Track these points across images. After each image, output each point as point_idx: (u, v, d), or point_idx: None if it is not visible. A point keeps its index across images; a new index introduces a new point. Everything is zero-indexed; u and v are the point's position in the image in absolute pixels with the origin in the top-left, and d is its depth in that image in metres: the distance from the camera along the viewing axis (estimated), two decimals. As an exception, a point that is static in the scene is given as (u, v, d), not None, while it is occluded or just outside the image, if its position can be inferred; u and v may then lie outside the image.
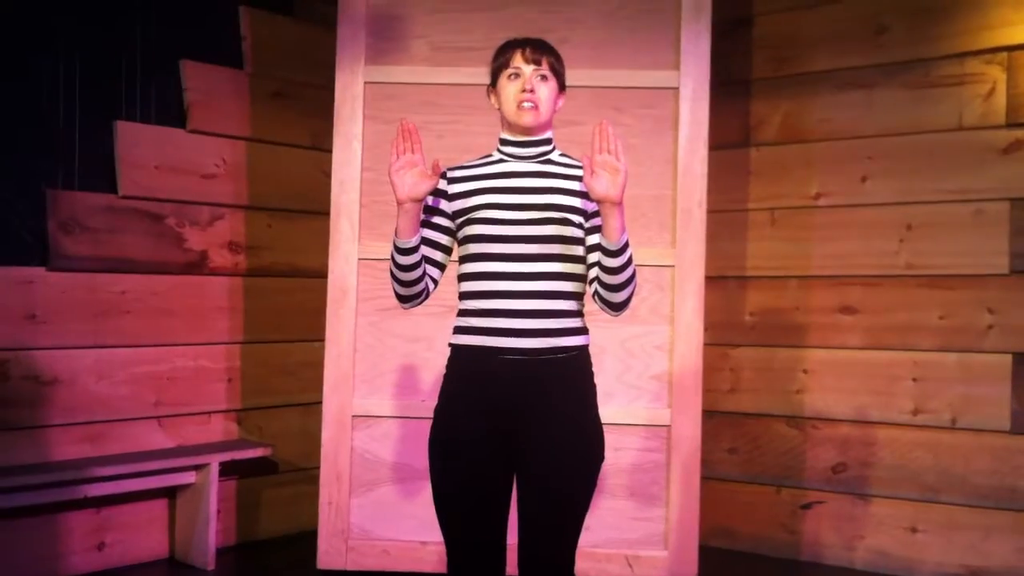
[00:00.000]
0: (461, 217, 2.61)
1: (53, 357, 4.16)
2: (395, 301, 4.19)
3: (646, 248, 4.20)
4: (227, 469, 4.61)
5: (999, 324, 4.33)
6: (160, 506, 4.53)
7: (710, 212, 4.28)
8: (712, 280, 4.56)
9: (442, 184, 2.65)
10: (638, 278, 2.59)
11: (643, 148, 4.26)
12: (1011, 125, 4.32)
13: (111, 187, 4.35)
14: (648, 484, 4.26)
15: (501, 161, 2.65)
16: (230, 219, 4.77)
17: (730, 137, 4.93)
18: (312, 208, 4.95)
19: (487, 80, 2.72)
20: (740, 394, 4.95)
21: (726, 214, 4.91)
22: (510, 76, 2.59)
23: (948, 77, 4.46)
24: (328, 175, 4.35)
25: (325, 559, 4.26)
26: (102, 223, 4.30)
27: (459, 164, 2.72)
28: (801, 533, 4.76)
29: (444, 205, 2.64)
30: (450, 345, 2.65)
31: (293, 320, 5.00)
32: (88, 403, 4.27)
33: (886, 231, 4.59)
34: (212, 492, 4.42)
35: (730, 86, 4.91)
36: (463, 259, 2.63)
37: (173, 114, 4.58)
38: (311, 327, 4.84)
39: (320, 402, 4.31)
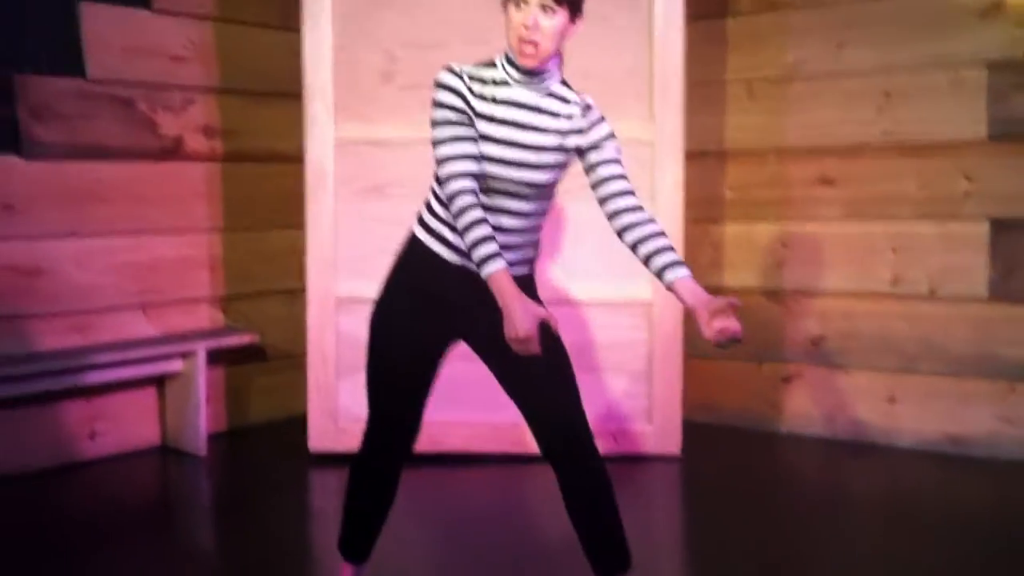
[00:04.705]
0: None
1: (32, 247, 4.14)
2: (373, 183, 4.24)
3: (623, 121, 4.11)
4: (215, 357, 4.64)
5: (976, 192, 4.34)
6: (149, 395, 4.56)
7: (687, 86, 4.22)
8: (691, 155, 4.52)
9: (463, 89, 2.45)
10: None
11: (618, 18, 4.17)
12: (990, -12, 4.26)
13: (79, 72, 4.26)
14: (631, 360, 4.30)
15: (506, 84, 2.49)
16: (202, 103, 4.69)
17: (706, 7, 4.83)
18: (286, 90, 4.83)
19: None
20: (720, 269, 4.97)
21: (703, 88, 4.85)
22: (517, 2, 2.38)
23: (928, -60, 4.38)
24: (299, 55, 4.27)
25: (316, 442, 4.31)
26: (73, 109, 4.23)
27: (471, 71, 2.49)
28: (782, 406, 4.84)
29: (472, 115, 2.46)
30: (414, 237, 2.59)
31: (274, 206, 4.96)
32: (70, 293, 4.26)
33: (864, 100, 4.55)
34: (200, 379, 4.44)
35: (707, -45, 4.80)
36: None
37: (138, -6, 4.46)
38: (292, 212, 4.80)
39: (305, 288, 4.31)
